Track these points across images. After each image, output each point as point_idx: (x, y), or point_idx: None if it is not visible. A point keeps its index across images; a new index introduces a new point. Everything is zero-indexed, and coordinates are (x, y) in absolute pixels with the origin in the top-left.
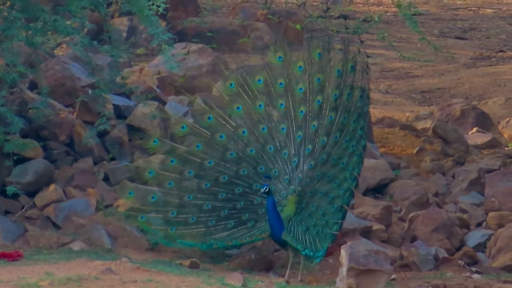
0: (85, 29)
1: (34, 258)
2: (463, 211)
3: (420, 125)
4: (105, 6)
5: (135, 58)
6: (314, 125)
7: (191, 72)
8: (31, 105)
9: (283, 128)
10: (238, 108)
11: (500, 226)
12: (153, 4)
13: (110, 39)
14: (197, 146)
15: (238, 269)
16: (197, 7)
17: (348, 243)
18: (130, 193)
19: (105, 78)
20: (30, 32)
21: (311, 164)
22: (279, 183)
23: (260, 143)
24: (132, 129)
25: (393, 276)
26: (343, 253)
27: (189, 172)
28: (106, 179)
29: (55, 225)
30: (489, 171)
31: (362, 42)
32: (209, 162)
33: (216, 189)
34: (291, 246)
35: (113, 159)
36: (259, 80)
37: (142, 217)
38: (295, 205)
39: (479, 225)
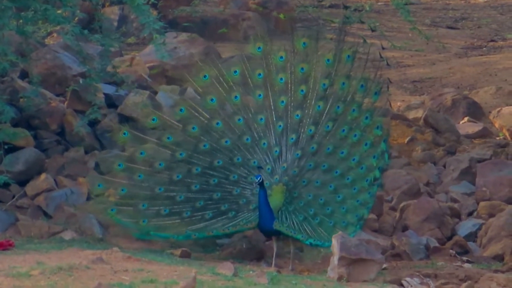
0: (76, 18)
1: (25, 247)
2: (454, 200)
3: (411, 115)
4: None
5: (126, 47)
6: (297, 115)
7: (182, 62)
8: (22, 94)
9: (261, 119)
10: (212, 99)
11: (491, 215)
12: None
13: (101, 28)
14: (168, 138)
15: (230, 258)
16: None
17: (339, 232)
18: (99, 185)
19: (96, 67)
20: (21, 21)
21: (297, 154)
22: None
23: (236, 134)
24: (124, 118)
25: (384, 266)
26: (335, 242)
27: (160, 164)
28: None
29: (46, 214)
30: (480, 161)
31: (373, 30)
32: (181, 154)
33: (189, 180)
34: (287, 235)
35: (104, 148)
36: (235, 71)
37: (112, 209)
38: (283, 194)
39: (470, 214)
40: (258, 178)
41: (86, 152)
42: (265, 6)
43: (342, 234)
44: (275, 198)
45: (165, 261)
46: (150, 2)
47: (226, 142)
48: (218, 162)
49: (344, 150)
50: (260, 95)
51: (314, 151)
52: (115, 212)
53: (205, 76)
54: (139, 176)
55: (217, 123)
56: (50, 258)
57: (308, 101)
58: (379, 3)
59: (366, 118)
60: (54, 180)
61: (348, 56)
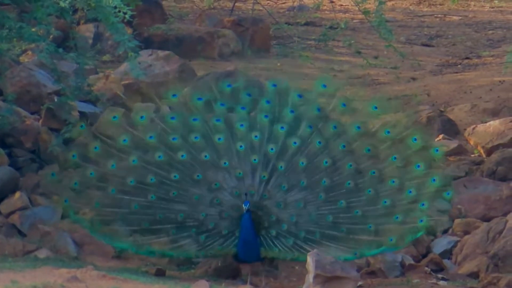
0: (51, 36)
1: None
2: (430, 218)
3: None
4: (70, 13)
5: (101, 64)
6: (256, 136)
7: (158, 79)
8: None
9: (219, 139)
10: (172, 117)
11: (466, 233)
12: (119, 11)
13: (76, 46)
14: (112, 166)
15: (205, 276)
16: (163, 14)
17: (314, 250)
18: (65, 201)
19: (71, 85)
20: None
21: (263, 176)
22: (225, 196)
23: (196, 151)
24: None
25: (359, 283)
26: (310, 260)
27: (112, 191)
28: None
29: (20, 233)
30: (455, 178)
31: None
32: (131, 182)
33: (144, 191)
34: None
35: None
36: (199, 98)
37: (65, 200)
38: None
39: (445, 232)
40: (247, 205)
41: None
42: (241, 24)
43: (317, 251)
44: None
45: (140, 279)
46: (125, 20)
47: (182, 158)
48: (175, 176)
49: (326, 159)
50: (219, 119)
51: (283, 170)
52: (67, 203)
53: (174, 95)
54: (96, 204)
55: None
56: (25, 277)
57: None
58: (354, 21)
59: (357, 128)
60: (29, 198)
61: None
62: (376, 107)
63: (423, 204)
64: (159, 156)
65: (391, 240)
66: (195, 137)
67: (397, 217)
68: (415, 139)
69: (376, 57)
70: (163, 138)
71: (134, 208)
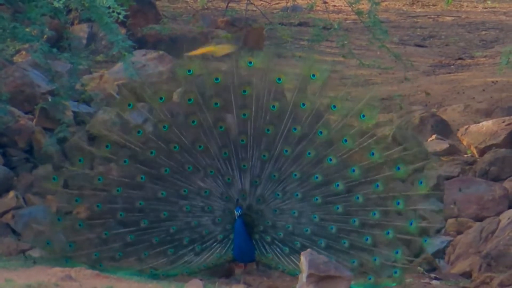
0: (45, 36)
1: None
2: (422, 217)
3: (379, 132)
4: (64, 13)
5: (95, 64)
6: (243, 140)
7: (151, 79)
8: None
9: (200, 146)
10: (138, 132)
11: (459, 232)
12: (113, 11)
13: (69, 46)
14: (99, 179)
15: (198, 275)
16: (157, 14)
17: (308, 250)
18: (48, 243)
19: (64, 85)
20: None
21: (255, 181)
22: (215, 202)
23: (177, 163)
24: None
25: (353, 282)
26: (303, 259)
27: (97, 206)
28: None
29: (14, 232)
30: (448, 178)
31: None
32: (117, 190)
33: (136, 218)
34: (274, 267)
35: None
36: (161, 97)
37: (66, 260)
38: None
39: (438, 231)
40: (239, 211)
41: (55, 170)
42: (234, 24)
43: (310, 251)
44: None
45: (134, 279)
46: (119, 20)
47: (165, 171)
48: (162, 194)
49: (317, 175)
50: (194, 121)
51: (275, 178)
52: (69, 262)
53: (161, 98)
54: (79, 224)
55: (151, 152)
56: (19, 276)
57: (252, 124)
58: (348, 21)
59: (345, 141)
60: (23, 198)
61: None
62: (364, 116)
63: (397, 252)
64: (142, 178)
65: (370, 278)
66: (174, 147)
67: (375, 259)
68: (398, 168)
69: (365, 63)
70: (138, 157)
71: (130, 239)
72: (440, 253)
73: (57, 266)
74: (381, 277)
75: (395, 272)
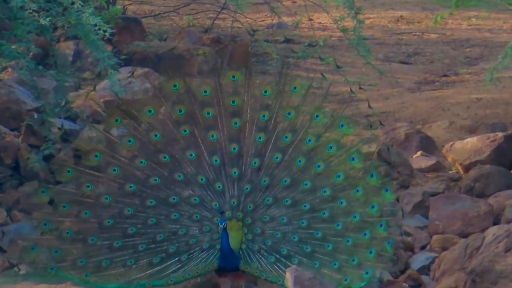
0: (31, 53)
1: None
2: (407, 234)
3: (364, 149)
4: (51, 30)
5: (81, 81)
6: (234, 148)
7: (137, 96)
8: None
9: (191, 155)
10: (129, 141)
11: (444, 249)
12: (99, 29)
13: (56, 63)
14: (88, 187)
15: None
16: (143, 31)
17: (294, 266)
18: (52, 268)
19: (50, 102)
20: None
21: (246, 188)
22: (204, 211)
23: (165, 172)
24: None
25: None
26: (288, 276)
27: (85, 213)
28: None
29: (0, 249)
30: (433, 195)
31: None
32: (106, 199)
33: (123, 225)
34: (255, 276)
35: (58, 182)
36: (150, 111)
37: (52, 268)
38: (241, 231)
39: (423, 248)
40: (223, 224)
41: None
42: (220, 41)
43: (296, 267)
44: (233, 236)
45: None
46: (105, 38)
47: (155, 180)
48: (151, 202)
49: (306, 181)
50: (185, 130)
51: (267, 184)
52: (55, 271)
53: (150, 111)
54: (67, 232)
55: (141, 162)
56: None
57: (244, 133)
58: (333, 38)
59: (331, 148)
60: (9, 214)
61: (294, 87)
62: (342, 125)
63: (371, 252)
64: (131, 186)
65: (346, 280)
66: (164, 157)
67: (353, 259)
68: (372, 175)
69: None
70: (127, 167)
71: (117, 245)
72: (425, 269)
73: (43, 282)
74: (356, 277)
75: (367, 273)
